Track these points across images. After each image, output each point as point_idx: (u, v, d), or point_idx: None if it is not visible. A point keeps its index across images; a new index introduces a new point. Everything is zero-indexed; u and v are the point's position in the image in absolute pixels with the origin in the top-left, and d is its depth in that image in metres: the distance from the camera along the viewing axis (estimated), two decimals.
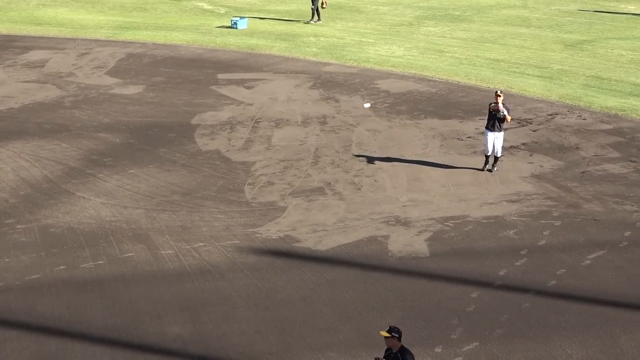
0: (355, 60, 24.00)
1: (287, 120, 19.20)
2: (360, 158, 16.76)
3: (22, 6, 32.32)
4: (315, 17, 28.99)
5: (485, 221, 13.77)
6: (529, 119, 18.93)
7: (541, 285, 11.77)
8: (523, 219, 13.84)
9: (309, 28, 28.34)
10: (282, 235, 13.43)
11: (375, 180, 15.61)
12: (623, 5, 32.49)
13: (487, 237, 13.22)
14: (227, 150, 17.35)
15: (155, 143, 17.80)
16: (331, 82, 22.01)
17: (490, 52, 25.06)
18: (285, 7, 32.15)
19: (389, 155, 16.85)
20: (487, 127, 15.68)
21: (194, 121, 19.21)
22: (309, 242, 13.18)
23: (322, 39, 26.73)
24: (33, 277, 12.26)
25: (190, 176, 15.97)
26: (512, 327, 10.77)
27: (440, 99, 20.57)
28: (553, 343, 10.41)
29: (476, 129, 18.29)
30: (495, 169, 15.93)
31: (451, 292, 11.61)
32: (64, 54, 25.21)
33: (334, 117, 19.38)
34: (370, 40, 26.52)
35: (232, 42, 26.31)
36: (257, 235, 13.44)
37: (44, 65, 23.99)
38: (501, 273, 12.12)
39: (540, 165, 16.24)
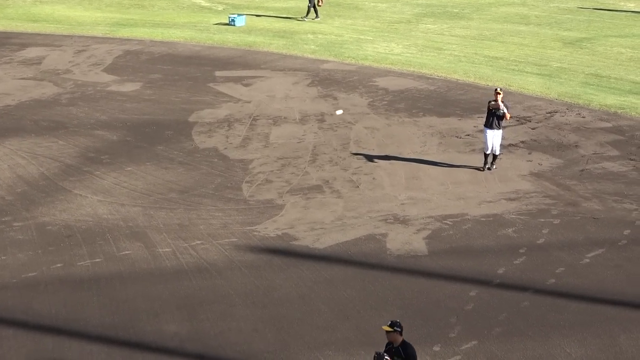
0: (354, 58, 23.94)
1: (285, 117, 19.15)
2: (359, 156, 16.71)
3: (19, 3, 32.20)
4: (313, 14, 28.92)
5: (484, 219, 13.73)
6: (528, 117, 18.90)
7: (540, 283, 11.74)
8: (522, 217, 13.81)
9: (307, 25, 28.27)
10: (280, 233, 13.38)
11: (374, 178, 15.56)
12: (622, 3, 32.46)
13: (485, 235, 13.18)
14: (225, 148, 17.29)
15: (153, 140, 17.74)
16: (329, 80, 21.95)
17: (489, 49, 25.02)
18: (283, 4, 32.07)
19: (387, 153, 16.80)
20: (485, 125, 15.64)
21: (191, 119, 19.15)
22: (307, 240, 13.13)
23: (320, 36, 26.66)
24: (30, 274, 12.21)
25: (188, 174, 15.91)
26: (510, 325, 10.74)
27: (439, 97, 20.53)
28: (552, 342, 10.38)
29: (475, 126, 18.25)
30: (494, 167, 15.89)
31: (450, 291, 11.58)
32: (61, 51, 25.12)
33: (332, 114, 19.32)
34: (368, 38, 26.45)
35: (229, 39, 26.23)
36: (255, 233, 13.39)
37: (40, 62, 23.90)
38: (500, 271, 12.08)
39: (539, 164, 16.21)
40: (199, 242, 13.12)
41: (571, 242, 12.89)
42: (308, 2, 28.81)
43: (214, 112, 19.60)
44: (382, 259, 12.51)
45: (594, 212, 13.93)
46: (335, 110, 13.56)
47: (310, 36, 26.63)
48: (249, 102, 20.29)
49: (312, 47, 25.25)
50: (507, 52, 24.72)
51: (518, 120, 18.50)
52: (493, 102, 15.33)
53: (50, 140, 17.75)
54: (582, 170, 15.79)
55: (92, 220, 13.89)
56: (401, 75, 22.36)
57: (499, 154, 15.93)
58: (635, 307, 11.14)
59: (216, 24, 28.57)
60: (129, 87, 21.48)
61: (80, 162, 16.51)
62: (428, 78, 22.05)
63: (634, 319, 10.87)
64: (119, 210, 14.29)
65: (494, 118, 15.50)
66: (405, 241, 13.02)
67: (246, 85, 21.64)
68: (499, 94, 15.54)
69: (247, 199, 14.74)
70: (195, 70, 22.99)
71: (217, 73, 22.71)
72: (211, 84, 21.70)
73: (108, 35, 26.99)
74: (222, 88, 21.38)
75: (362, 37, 26.62)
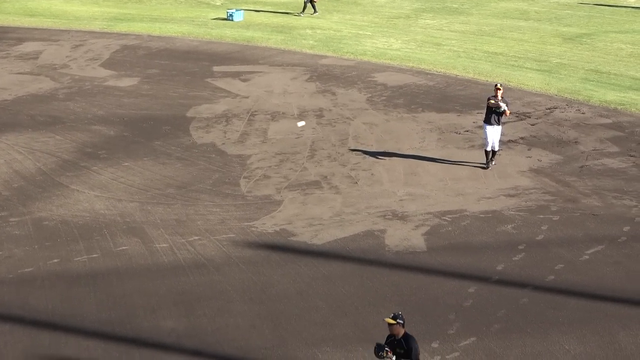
0: (352, 53, 23.85)
1: (283, 113, 19.07)
2: (357, 152, 16.64)
3: None
4: (310, 9, 28.81)
5: (482, 216, 13.68)
6: (528, 113, 18.83)
7: (539, 280, 11.69)
8: (521, 213, 13.75)
9: (305, 20, 28.17)
10: (277, 229, 13.32)
11: (372, 174, 15.50)
12: None
13: (484, 231, 13.13)
14: (223, 143, 17.22)
15: (150, 136, 17.66)
16: (328, 75, 21.87)
17: (489, 45, 24.94)
18: None
19: (386, 149, 16.73)
20: (485, 122, 15.56)
21: (189, 114, 19.07)
22: (305, 236, 13.07)
23: (318, 31, 26.57)
24: (26, 270, 12.15)
25: (185, 169, 15.84)
26: (509, 322, 10.69)
27: (438, 93, 20.45)
28: (551, 338, 10.33)
29: (474, 122, 18.19)
30: (493, 163, 15.83)
31: (448, 287, 11.53)
32: (58, 46, 25.01)
33: (330, 110, 19.25)
34: (367, 33, 26.36)
35: (227, 34, 26.14)
36: (253, 229, 13.33)
37: (37, 57, 23.80)
38: (499, 268, 12.03)
39: (538, 160, 16.15)
40: (196, 237, 13.06)
41: (570, 239, 12.84)
42: None
43: (212, 107, 19.52)
44: (381, 255, 12.45)
45: (594, 209, 13.88)
46: (297, 123, 13.47)
47: (309, 31, 26.53)
48: (247, 97, 20.21)
49: (311, 42, 25.16)
50: (507, 47, 24.64)
51: (517, 116, 18.43)
52: (492, 102, 15.24)
53: (47, 135, 17.68)
54: (582, 167, 15.73)
55: (89, 216, 13.83)
56: (400, 70, 22.28)
57: (498, 150, 15.87)
58: (634, 304, 11.09)
59: (214, 19, 28.46)
60: (127, 82, 21.39)
61: (77, 158, 16.43)
62: (427, 74, 21.97)
63: (633, 315, 10.83)
64: (116, 205, 14.22)
65: (493, 114, 15.42)
66: (403, 237, 12.97)
67: (244, 80, 21.55)
68: (499, 89, 15.47)
69: (245, 194, 14.67)
70: (193, 65, 22.90)
71: (215, 68, 22.62)
72: (209, 79, 21.61)
73: (105, 30, 26.89)
74: (220, 83, 21.29)
75: (360, 32, 26.52)
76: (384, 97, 20.08)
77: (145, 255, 12.55)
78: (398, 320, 8.35)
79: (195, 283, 11.75)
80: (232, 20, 27.98)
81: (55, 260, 12.41)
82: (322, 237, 13.00)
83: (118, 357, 10.10)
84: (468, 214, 13.76)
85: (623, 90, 20.45)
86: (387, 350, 8.27)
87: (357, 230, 13.20)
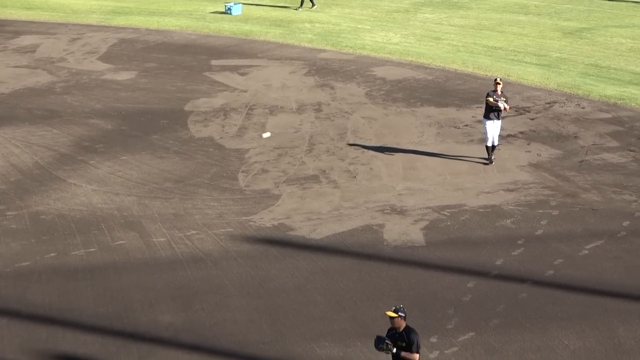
0: (351, 47, 23.76)
1: (281, 107, 19.00)
2: (356, 146, 16.58)
3: None
4: (309, 3, 28.68)
5: (482, 210, 13.63)
6: (527, 107, 18.77)
7: (538, 275, 11.66)
8: (520, 208, 13.71)
9: (304, 14, 28.06)
10: (276, 223, 13.27)
11: (371, 169, 15.44)
12: None
13: (483, 226, 13.09)
14: (221, 137, 17.15)
15: (148, 130, 17.59)
16: (326, 69, 21.79)
17: (488, 39, 24.85)
18: None
19: (384, 143, 16.68)
20: (485, 117, 15.50)
21: (187, 108, 18.99)
22: (304, 230, 13.02)
23: (317, 25, 26.46)
24: (23, 264, 12.10)
25: (183, 163, 15.78)
26: (508, 317, 10.66)
27: (437, 87, 20.38)
28: (550, 333, 10.30)
29: (473, 117, 18.13)
30: (493, 157, 15.76)
31: (447, 282, 11.49)
32: (55, 39, 24.90)
33: (329, 104, 19.18)
34: (366, 27, 26.27)
35: (226, 28, 26.03)
36: (251, 223, 13.28)
37: (34, 51, 23.70)
38: (498, 263, 12.00)
39: (538, 154, 16.10)
40: (194, 232, 13.01)
41: (570, 234, 12.80)
42: None
43: (210, 101, 19.44)
44: (379, 249, 12.41)
45: (593, 204, 13.83)
46: (262, 134, 13.37)
47: (308, 25, 26.42)
48: (245, 91, 20.12)
49: (309, 36, 25.06)
50: (506, 42, 24.55)
51: (517, 111, 18.37)
52: (491, 100, 15.15)
53: (44, 129, 17.61)
54: (582, 161, 15.69)
55: (86, 210, 13.77)
56: (399, 64, 22.20)
57: (498, 144, 15.81)
58: (634, 299, 11.06)
59: (212, 12, 28.33)
60: (124, 76, 21.30)
61: (75, 151, 16.37)
62: (426, 68, 21.89)
63: (632, 310, 10.80)
64: (114, 199, 14.16)
65: (493, 109, 15.35)
66: (402, 232, 12.92)
67: (242, 74, 21.46)
68: (499, 84, 15.41)
69: (243, 188, 14.61)
70: (191, 59, 22.81)
71: (213, 62, 22.53)
72: (207, 73, 21.52)
73: (103, 24, 26.77)
74: (218, 77, 21.20)
75: (359, 26, 26.42)
76: (383, 92, 20.01)
77: (142, 249, 12.50)
78: (399, 314, 8.32)
79: (193, 277, 11.70)
80: (230, 13, 27.86)
81: (53, 255, 12.35)
82: (321, 232, 12.96)
83: (115, 351, 10.06)
84: (467, 208, 13.71)
85: (623, 85, 20.39)
86: (387, 343, 8.24)
87: (356, 225, 13.15)
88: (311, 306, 10.96)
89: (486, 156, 15.61)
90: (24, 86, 20.55)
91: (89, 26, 26.44)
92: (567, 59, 22.65)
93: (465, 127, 17.63)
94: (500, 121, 15.56)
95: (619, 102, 19.11)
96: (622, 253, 12.26)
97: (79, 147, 16.62)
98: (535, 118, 18.15)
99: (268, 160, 15.89)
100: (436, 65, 22.06)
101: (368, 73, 21.46)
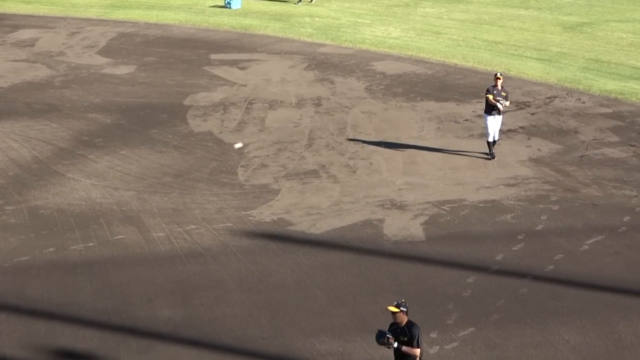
0: (351, 42, 23.69)
1: (281, 101, 18.94)
2: (356, 141, 16.54)
3: None
4: None
5: (482, 205, 13.60)
6: (527, 102, 18.73)
7: (538, 270, 11.63)
8: (520, 203, 13.68)
9: (303, 8, 27.96)
10: (275, 218, 13.24)
11: (371, 163, 15.40)
12: None
13: (483, 221, 13.05)
14: (220, 132, 17.10)
15: (147, 124, 17.54)
16: (326, 64, 21.72)
17: (488, 34, 24.78)
18: None
19: (384, 138, 16.63)
20: (486, 112, 15.44)
21: (186, 102, 18.93)
22: (303, 225, 12.99)
23: (317, 19, 26.38)
24: (22, 259, 12.07)
25: (182, 158, 15.73)
26: (508, 312, 10.63)
27: (437, 81, 20.32)
28: (550, 329, 10.28)
29: (473, 111, 18.08)
30: (494, 152, 15.72)
31: (447, 277, 11.46)
32: (54, 33, 24.82)
33: (328, 98, 19.12)
34: (366, 21, 26.18)
35: (225, 22, 25.94)
36: (250, 218, 13.25)
37: (33, 45, 23.62)
38: (498, 258, 11.97)
39: (538, 149, 16.06)
40: (193, 226, 12.97)
41: (570, 229, 12.77)
42: None
43: (209, 95, 19.38)
44: (379, 244, 12.38)
45: (594, 199, 13.80)
46: (234, 144, 13.29)
47: (307, 19, 26.34)
48: (245, 85, 20.06)
49: (309, 30, 24.98)
50: (507, 36, 24.48)
51: (517, 106, 18.32)
52: (492, 99, 15.07)
53: (43, 123, 17.55)
54: (582, 156, 15.65)
55: (85, 204, 13.73)
56: (399, 59, 22.13)
57: (498, 139, 15.76)
58: (634, 294, 11.04)
59: (212, 6, 28.23)
60: (123, 70, 21.23)
61: (74, 146, 16.32)
62: (426, 62, 21.82)
63: (633, 306, 10.77)
64: (113, 194, 14.12)
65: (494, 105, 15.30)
66: (402, 227, 12.89)
67: (242, 68, 21.40)
68: (499, 79, 15.36)
69: (242, 183, 14.57)
70: (190, 53, 22.74)
71: (213, 56, 22.46)
72: (206, 67, 21.45)
73: (102, 17, 26.68)
74: (217, 71, 21.14)
75: (359, 20, 26.34)
76: (383, 86, 19.95)
77: (142, 244, 12.46)
78: (401, 308, 8.31)
79: (192, 272, 11.67)
80: (229, 7, 27.76)
81: (51, 249, 12.32)
82: (320, 227, 12.92)
83: (114, 346, 10.04)
84: (467, 203, 13.67)
85: (623, 80, 20.33)
86: (388, 337, 8.22)
87: (356, 220, 13.12)
88: (311, 301, 10.93)
89: (487, 152, 15.56)
90: (23, 80, 20.48)
91: (88, 20, 26.35)
92: (568, 54, 22.59)
93: (465, 122, 17.58)
94: (501, 116, 15.52)
95: (619, 96, 19.07)
96: (622, 248, 12.23)
97: (78, 141, 16.57)
98: (536, 113, 18.10)
99: (267, 155, 15.84)
100: (436, 60, 22.00)
101: (368, 67, 21.39)
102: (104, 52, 22.84)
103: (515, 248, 12.24)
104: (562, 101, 18.87)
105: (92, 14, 27.09)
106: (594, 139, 16.54)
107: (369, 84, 20.12)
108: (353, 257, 12.03)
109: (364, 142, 16.45)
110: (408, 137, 16.69)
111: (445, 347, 9.95)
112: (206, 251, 12.24)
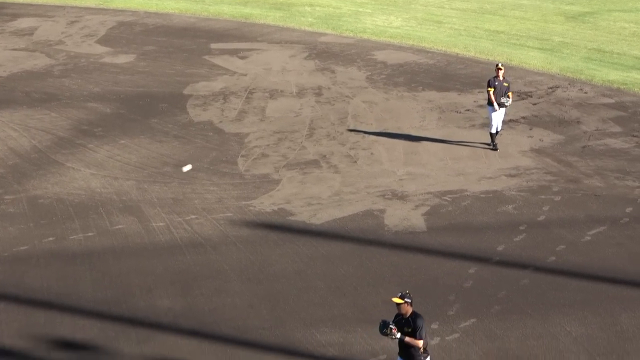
0: (352, 31, 23.55)
1: (281, 91, 18.84)
2: (356, 131, 16.46)
3: None
4: None
5: (483, 196, 13.53)
6: (529, 92, 18.62)
7: (540, 261, 11.58)
8: (522, 193, 13.61)
9: None
10: (276, 208, 13.18)
11: (372, 153, 15.33)
12: None
13: (485, 212, 12.99)
14: (220, 122, 17.02)
15: (147, 113, 17.45)
16: (327, 53, 21.60)
17: (490, 23, 24.63)
18: None
19: (385, 128, 16.55)
20: (489, 104, 15.34)
21: (186, 91, 18.84)
22: (304, 215, 12.93)
23: (318, 8, 26.22)
24: (21, 248, 12.02)
25: (182, 147, 15.66)
26: (510, 303, 10.59)
27: (439, 71, 20.21)
28: (552, 320, 10.24)
29: (475, 101, 17.98)
30: (496, 143, 15.64)
31: (448, 268, 11.41)
32: (53, 22, 24.68)
33: (329, 88, 19.02)
34: (367, 11, 26.02)
35: (225, 10, 25.79)
36: (251, 208, 13.19)
37: (32, 33, 23.49)
38: (499, 249, 11.92)
39: (540, 140, 15.98)
40: (193, 216, 12.92)
41: (572, 220, 12.72)
42: None
43: (209, 84, 19.28)
44: (380, 235, 12.32)
45: (596, 189, 13.73)
46: (183, 167, 13.18)
47: (308, 9, 26.18)
48: (245, 75, 19.96)
49: (310, 19, 24.83)
50: (508, 26, 24.34)
51: (519, 96, 18.22)
52: (493, 98, 14.98)
53: (42, 113, 17.47)
54: (584, 147, 15.57)
55: (84, 194, 13.67)
56: (400, 48, 22.01)
57: (500, 129, 15.68)
58: (636, 286, 10.99)
59: None
60: (123, 59, 21.12)
61: (73, 135, 16.24)
62: (427, 52, 21.70)
63: (635, 297, 10.73)
64: (112, 183, 14.05)
65: (496, 96, 15.21)
66: (403, 217, 12.83)
67: (242, 57, 21.28)
68: (500, 69, 15.27)
69: (242, 173, 14.50)
70: (190, 42, 22.61)
71: (213, 45, 22.33)
72: (206, 57, 21.34)
73: (101, 6, 26.53)
74: (217, 60, 21.02)
75: (360, 9, 26.18)
76: (384, 76, 19.84)
77: (141, 234, 12.41)
78: (405, 299, 8.26)
79: (192, 262, 11.63)
80: None
81: (51, 239, 12.27)
82: (321, 217, 12.87)
83: (114, 336, 10.01)
84: (469, 194, 13.61)
85: (626, 70, 20.22)
86: (391, 328, 8.19)
87: (356, 210, 13.06)
88: (311, 291, 10.89)
89: (490, 142, 15.48)
90: (22, 69, 20.37)
91: (87, 9, 26.20)
92: (570, 44, 22.46)
93: (466, 112, 17.49)
94: (504, 108, 15.42)
95: (622, 87, 18.96)
96: (624, 239, 12.18)
97: (77, 130, 16.49)
98: (538, 103, 18.00)
99: (268, 145, 15.76)
100: (438, 50, 21.87)
101: (369, 57, 21.27)
102: (104, 41, 22.72)
103: (517, 239, 12.19)
104: (564, 91, 18.77)
105: (91, 2, 26.94)
106: (596, 130, 16.45)
107: (370, 73, 20.01)
108: (354, 248, 11.98)
109: (365, 132, 16.37)
110: (409, 127, 16.61)
111: (447, 338, 9.91)
112: (206, 241, 12.19)
